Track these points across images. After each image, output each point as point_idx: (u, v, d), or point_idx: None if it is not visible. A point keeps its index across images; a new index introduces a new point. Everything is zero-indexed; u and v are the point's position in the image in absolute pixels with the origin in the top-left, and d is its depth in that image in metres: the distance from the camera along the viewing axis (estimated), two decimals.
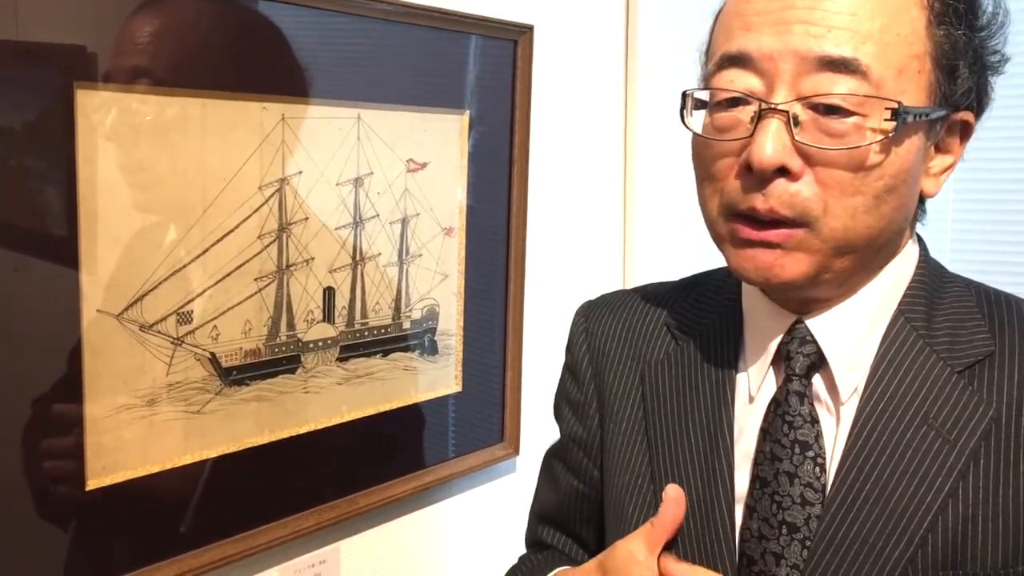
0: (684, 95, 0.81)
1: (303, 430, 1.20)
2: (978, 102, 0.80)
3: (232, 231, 1.09)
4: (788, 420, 0.80)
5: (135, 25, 0.99)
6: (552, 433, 1.03)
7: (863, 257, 0.78)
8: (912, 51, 0.74)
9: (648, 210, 1.80)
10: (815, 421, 0.80)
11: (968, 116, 0.79)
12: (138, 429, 1.02)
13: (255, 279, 1.12)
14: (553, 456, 1.02)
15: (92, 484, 0.99)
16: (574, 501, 0.98)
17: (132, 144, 0.99)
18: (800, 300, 0.82)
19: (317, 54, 1.17)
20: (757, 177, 0.74)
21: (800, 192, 0.74)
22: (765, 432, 0.81)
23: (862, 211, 0.74)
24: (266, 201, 1.12)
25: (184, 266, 1.05)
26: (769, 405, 0.82)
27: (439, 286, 1.38)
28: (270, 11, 1.10)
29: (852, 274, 0.79)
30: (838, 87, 0.72)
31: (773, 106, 0.73)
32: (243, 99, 1.08)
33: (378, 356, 1.30)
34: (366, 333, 1.27)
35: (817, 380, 0.81)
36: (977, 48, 0.78)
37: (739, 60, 0.75)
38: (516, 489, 1.59)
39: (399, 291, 1.31)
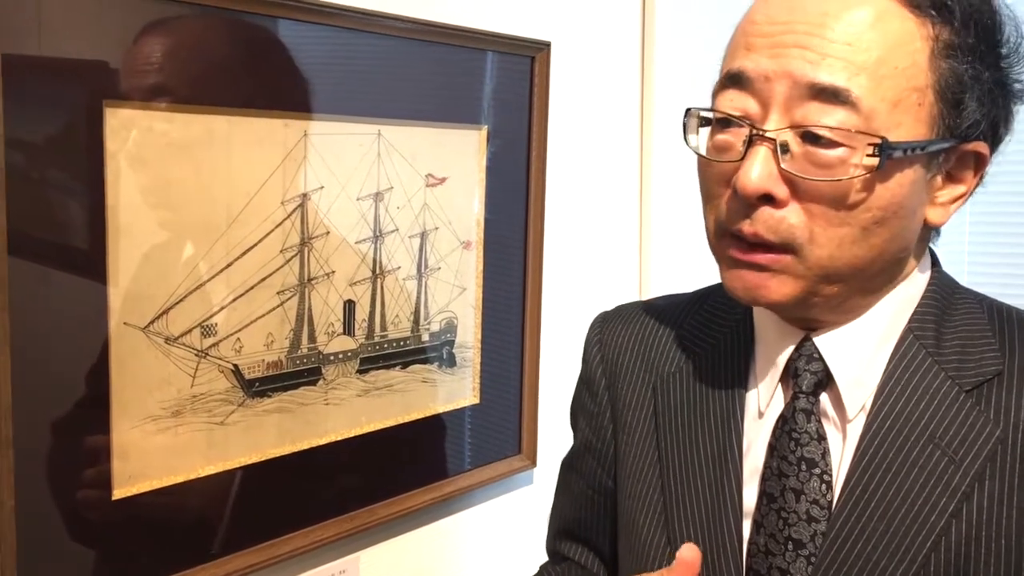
0: (687, 112, 0.81)
1: (324, 441, 1.22)
2: (994, 132, 0.78)
3: (255, 245, 1.11)
4: (795, 437, 0.80)
5: (159, 43, 1.01)
6: (568, 447, 1.04)
7: (855, 284, 0.78)
8: (911, 84, 0.73)
9: (664, 223, 1.82)
10: (822, 438, 0.80)
11: (980, 147, 0.78)
12: (163, 440, 1.04)
13: (277, 292, 1.14)
14: (568, 466, 1.03)
15: (118, 494, 1.01)
16: (590, 511, 0.98)
17: (159, 160, 1.01)
18: (802, 319, 0.82)
19: (338, 72, 1.19)
20: (744, 201, 0.75)
21: (785, 219, 0.74)
22: (772, 448, 0.82)
23: (849, 242, 0.75)
24: (288, 216, 1.14)
25: (208, 280, 1.07)
26: (777, 421, 0.82)
27: (457, 299, 1.39)
28: (292, 30, 1.13)
29: (847, 299, 0.79)
30: (828, 118, 0.72)
31: (762, 132, 0.74)
32: (266, 116, 1.10)
33: (397, 368, 1.31)
34: (385, 345, 1.29)
35: (825, 397, 0.81)
36: (998, 79, 0.77)
37: (738, 79, 0.76)
38: (533, 501, 1.60)
39: (418, 304, 1.33)
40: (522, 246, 1.49)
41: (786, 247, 0.75)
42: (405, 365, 1.32)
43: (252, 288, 1.11)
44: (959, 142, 0.76)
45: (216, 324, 1.08)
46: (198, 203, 1.05)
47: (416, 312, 1.33)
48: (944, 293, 0.84)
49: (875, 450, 0.78)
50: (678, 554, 0.77)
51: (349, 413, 1.25)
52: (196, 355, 1.06)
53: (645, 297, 1.78)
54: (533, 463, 1.54)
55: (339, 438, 1.23)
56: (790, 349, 0.82)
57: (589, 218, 1.68)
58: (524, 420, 1.52)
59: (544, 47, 1.47)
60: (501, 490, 1.53)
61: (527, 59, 1.46)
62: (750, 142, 0.74)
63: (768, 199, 0.74)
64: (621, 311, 1.00)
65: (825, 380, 0.81)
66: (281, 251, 1.14)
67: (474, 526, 1.50)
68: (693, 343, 0.91)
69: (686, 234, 1.84)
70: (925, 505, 0.76)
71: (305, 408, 1.19)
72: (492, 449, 1.49)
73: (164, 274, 1.03)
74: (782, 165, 0.73)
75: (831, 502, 0.79)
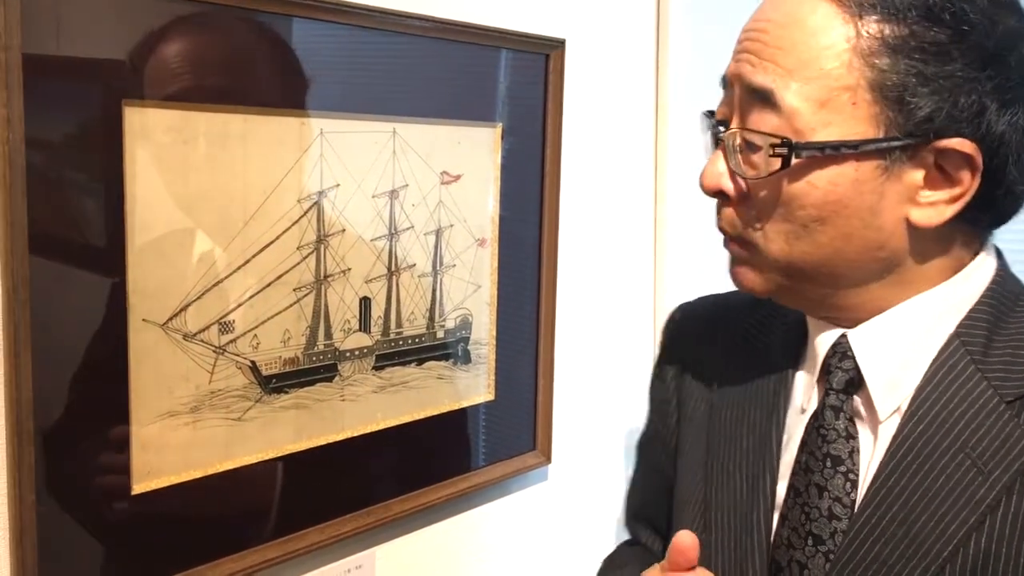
0: (702, 116, 0.87)
1: (340, 437, 1.22)
2: (975, 128, 0.73)
3: (272, 243, 1.12)
4: (823, 434, 0.81)
5: (177, 43, 1.02)
6: (583, 443, 1.05)
7: (825, 281, 0.79)
8: (840, 84, 0.73)
9: (679, 220, 1.81)
10: (851, 437, 0.80)
11: (959, 144, 0.73)
12: (182, 435, 1.05)
13: (294, 289, 1.15)
14: (640, 450, 1.07)
15: (138, 488, 1.02)
16: (655, 496, 1.01)
17: (176, 159, 1.02)
18: (825, 316, 0.84)
19: (354, 70, 1.19)
20: (713, 198, 0.83)
21: (739, 214, 0.80)
22: (804, 443, 0.83)
23: (794, 238, 0.78)
24: (305, 213, 1.15)
25: (226, 277, 1.08)
26: (810, 418, 0.83)
27: (472, 296, 1.40)
28: (307, 29, 1.13)
29: (831, 297, 0.81)
30: (761, 121, 0.76)
31: (717, 134, 0.81)
32: (283, 115, 1.11)
33: (412, 365, 1.32)
34: (401, 342, 1.30)
35: (860, 396, 0.81)
36: (962, 72, 0.72)
37: (723, 84, 0.82)
38: (548, 497, 1.60)
39: (433, 301, 1.34)
40: (537, 243, 1.50)
41: (745, 241, 0.81)
42: (420, 362, 1.33)
43: (269, 285, 1.12)
44: (920, 140, 0.73)
45: (233, 321, 1.09)
46: (215, 201, 1.06)
47: (431, 309, 1.34)
48: (1004, 299, 0.81)
49: (904, 454, 0.77)
50: (674, 540, 0.79)
51: (365, 409, 1.26)
52: (214, 351, 1.08)
53: (659, 295, 1.79)
54: (548, 459, 1.55)
55: (355, 434, 1.24)
56: (828, 346, 0.83)
57: (604, 215, 1.68)
58: (539, 417, 1.53)
59: (559, 45, 1.47)
60: (516, 486, 1.54)
61: (541, 57, 1.46)
62: (716, 143, 0.81)
63: (723, 196, 0.81)
64: (696, 305, 1.05)
65: (858, 379, 0.81)
66: (297, 248, 1.15)
67: (489, 522, 1.51)
68: (754, 339, 0.94)
69: (701, 231, 1.83)
70: (947, 515, 0.75)
71: (321, 404, 1.20)
72: (507, 445, 1.49)
73: (182, 271, 1.04)
74: (729, 164, 0.79)
75: (855, 501, 0.79)
